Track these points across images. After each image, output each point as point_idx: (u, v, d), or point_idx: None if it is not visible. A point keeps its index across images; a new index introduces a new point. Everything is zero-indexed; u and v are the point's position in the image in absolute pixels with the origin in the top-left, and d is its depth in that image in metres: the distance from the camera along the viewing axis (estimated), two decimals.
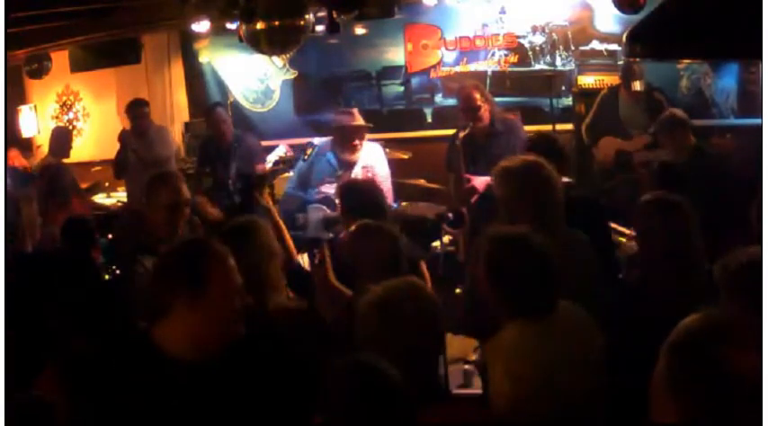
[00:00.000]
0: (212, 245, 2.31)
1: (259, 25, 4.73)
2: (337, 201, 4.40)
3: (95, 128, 9.11)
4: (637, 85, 6.16)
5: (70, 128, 8.71)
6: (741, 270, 2.47)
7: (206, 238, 2.43)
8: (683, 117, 5.50)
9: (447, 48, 7.51)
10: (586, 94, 6.71)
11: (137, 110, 6.92)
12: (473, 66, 7.39)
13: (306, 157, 5.64)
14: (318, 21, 5.36)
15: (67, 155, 7.10)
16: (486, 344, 2.63)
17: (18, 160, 8.00)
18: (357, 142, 5.52)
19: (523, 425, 2.37)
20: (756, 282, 2.34)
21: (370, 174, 5.51)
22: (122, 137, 6.99)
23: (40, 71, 8.28)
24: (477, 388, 3.40)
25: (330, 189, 5.55)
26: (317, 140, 5.64)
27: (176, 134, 8.23)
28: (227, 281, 2.24)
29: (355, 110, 5.71)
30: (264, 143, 7.36)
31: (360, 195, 4.13)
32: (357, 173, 5.53)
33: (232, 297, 2.24)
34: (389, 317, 2.33)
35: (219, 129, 6.48)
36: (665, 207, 3.20)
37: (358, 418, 1.92)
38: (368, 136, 5.71)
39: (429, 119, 7.75)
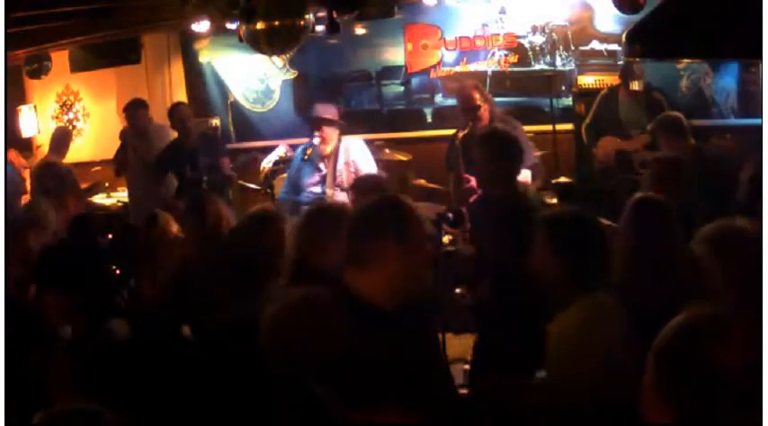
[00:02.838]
0: (405, 201, 2.40)
1: (259, 25, 4.73)
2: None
3: (95, 128, 9.11)
4: (636, 85, 6.16)
5: (70, 128, 8.71)
6: (724, 238, 2.51)
7: (401, 197, 2.50)
8: (680, 119, 5.49)
9: (447, 48, 7.51)
10: (586, 94, 6.71)
11: (133, 111, 6.90)
12: (473, 66, 7.39)
13: (306, 158, 5.66)
14: (318, 21, 5.35)
15: (63, 156, 7.10)
16: (550, 326, 2.67)
17: (17, 160, 8.00)
18: (319, 133, 5.59)
19: (585, 403, 2.41)
20: (741, 248, 2.37)
21: (352, 170, 5.57)
22: (123, 136, 6.98)
23: (39, 71, 8.28)
24: None
25: (318, 188, 5.62)
26: (316, 140, 5.65)
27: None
28: (421, 233, 2.35)
29: (321, 106, 5.82)
30: (264, 143, 7.39)
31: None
32: (340, 169, 5.61)
33: (425, 249, 2.35)
34: (290, 330, 2.32)
35: (185, 127, 6.46)
36: (638, 207, 3.33)
37: None
38: (367, 136, 5.74)
39: (429, 119, 7.75)
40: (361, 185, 4.65)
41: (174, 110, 6.62)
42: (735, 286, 2.36)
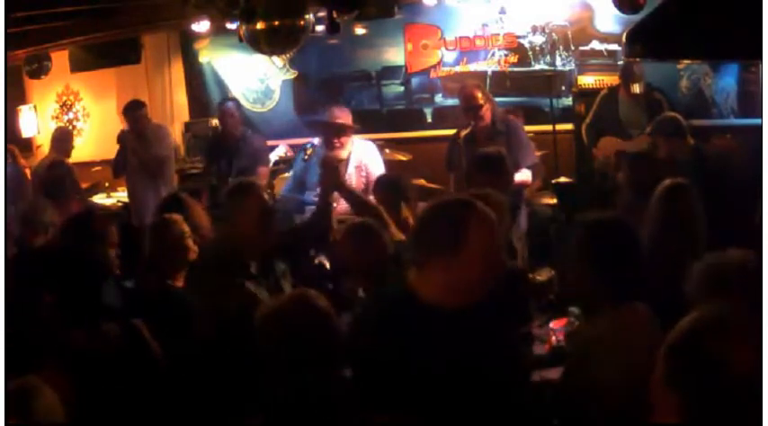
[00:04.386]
0: (476, 206, 2.34)
1: (259, 25, 4.72)
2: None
3: (95, 128, 9.11)
4: (636, 88, 6.17)
5: (70, 128, 8.71)
6: (731, 271, 2.49)
7: (470, 199, 2.43)
8: (678, 120, 5.49)
9: (447, 48, 7.51)
10: (586, 94, 6.72)
11: (133, 112, 6.92)
12: (473, 66, 7.39)
13: (306, 157, 5.62)
14: (318, 21, 5.35)
15: (68, 155, 7.11)
16: (575, 333, 2.64)
17: (18, 160, 7.99)
18: (336, 140, 5.41)
19: (614, 413, 2.37)
20: (746, 283, 2.36)
21: (363, 174, 5.51)
22: (121, 138, 6.99)
23: (39, 71, 8.28)
24: None
25: None
26: (316, 140, 5.62)
27: (176, 134, 8.23)
28: (484, 241, 2.28)
29: (337, 109, 5.64)
30: None
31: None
32: (351, 173, 5.50)
33: (487, 257, 2.29)
34: (280, 331, 2.35)
35: (225, 123, 6.53)
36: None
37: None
38: (367, 136, 5.70)
39: (429, 119, 7.75)
40: (380, 183, 4.65)
41: (219, 107, 6.79)
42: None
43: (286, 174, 6.22)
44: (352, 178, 5.52)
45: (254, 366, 2.43)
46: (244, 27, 4.84)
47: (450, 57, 7.52)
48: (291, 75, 8.20)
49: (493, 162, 4.41)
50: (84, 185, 7.42)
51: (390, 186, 4.47)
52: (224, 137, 6.54)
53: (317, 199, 5.54)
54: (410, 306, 2.32)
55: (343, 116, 5.56)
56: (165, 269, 3.74)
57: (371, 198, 4.60)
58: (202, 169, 6.89)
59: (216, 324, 3.14)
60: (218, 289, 3.27)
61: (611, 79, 6.66)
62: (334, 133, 5.46)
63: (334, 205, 5.54)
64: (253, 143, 6.54)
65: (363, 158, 5.56)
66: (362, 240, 3.38)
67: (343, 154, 5.49)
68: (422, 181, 6.41)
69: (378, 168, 5.56)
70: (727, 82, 6.54)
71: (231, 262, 3.42)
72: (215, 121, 8.19)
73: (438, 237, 2.30)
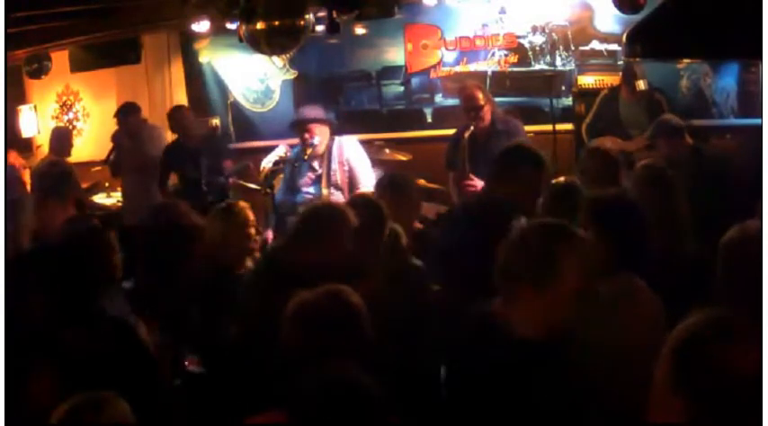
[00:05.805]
0: (570, 232, 2.29)
1: (259, 25, 4.73)
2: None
3: (95, 128, 9.11)
4: (641, 85, 6.13)
5: (70, 128, 8.71)
6: (735, 246, 2.51)
7: (566, 223, 2.36)
8: (678, 122, 5.49)
9: (447, 48, 7.51)
10: (586, 94, 6.70)
11: (123, 117, 6.95)
12: (473, 66, 7.39)
13: (306, 157, 5.65)
14: (318, 21, 5.36)
15: (68, 155, 7.11)
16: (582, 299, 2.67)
17: (18, 161, 7.99)
18: (307, 136, 5.55)
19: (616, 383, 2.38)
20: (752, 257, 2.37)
21: (346, 169, 5.56)
22: (115, 138, 7.00)
23: (40, 71, 8.28)
24: None
25: (313, 189, 5.61)
26: (316, 140, 5.64)
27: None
28: (577, 269, 2.23)
29: (306, 107, 5.89)
30: (264, 143, 7.38)
31: None
32: (335, 168, 5.59)
33: (580, 285, 2.24)
34: (308, 326, 2.33)
35: (183, 127, 6.55)
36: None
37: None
38: (367, 136, 5.72)
39: (429, 119, 7.74)
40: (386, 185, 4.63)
41: (172, 113, 6.75)
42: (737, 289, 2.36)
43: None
44: (336, 174, 5.58)
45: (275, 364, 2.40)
46: (244, 27, 4.85)
47: (450, 57, 7.51)
48: (291, 75, 8.19)
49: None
50: (84, 185, 7.42)
51: (399, 187, 4.39)
52: (185, 142, 6.56)
53: (307, 198, 5.62)
54: (495, 338, 2.26)
55: (312, 112, 5.69)
56: (229, 254, 3.75)
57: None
58: (159, 176, 6.76)
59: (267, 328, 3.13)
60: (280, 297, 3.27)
61: (611, 79, 6.64)
62: (302, 129, 5.61)
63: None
64: (213, 140, 6.64)
65: (345, 153, 5.63)
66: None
67: (320, 149, 5.57)
68: (422, 182, 6.40)
69: (361, 163, 5.63)
70: (727, 82, 6.53)
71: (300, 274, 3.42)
72: (215, 121, 8.26)
73: (528, 265, 2.24)
